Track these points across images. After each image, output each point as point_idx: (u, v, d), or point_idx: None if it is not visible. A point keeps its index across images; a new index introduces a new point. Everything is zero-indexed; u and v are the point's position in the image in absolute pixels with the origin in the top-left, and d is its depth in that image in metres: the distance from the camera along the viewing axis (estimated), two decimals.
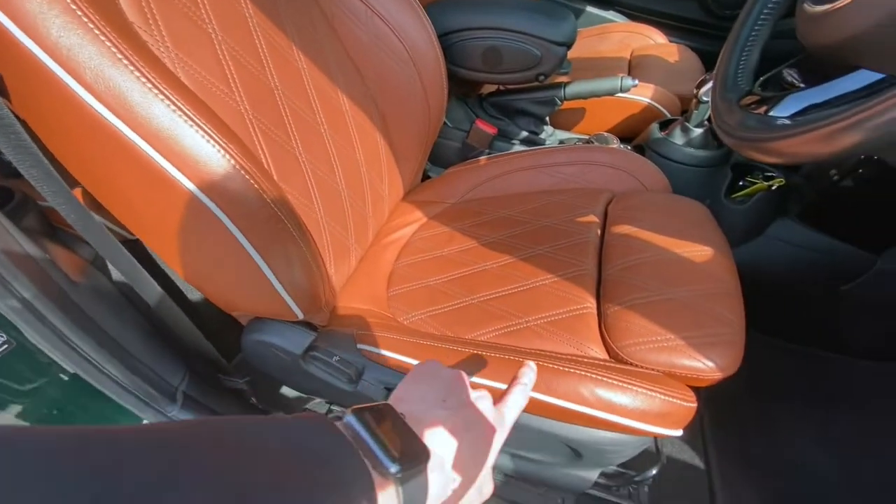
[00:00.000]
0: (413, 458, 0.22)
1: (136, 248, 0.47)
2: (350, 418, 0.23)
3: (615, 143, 0.77)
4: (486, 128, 0.78)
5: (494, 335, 0.51)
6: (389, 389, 0.49)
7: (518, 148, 0.84)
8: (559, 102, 0.79)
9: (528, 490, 0.57)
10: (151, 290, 0.50)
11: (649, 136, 0.76)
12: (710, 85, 0.68)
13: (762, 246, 0.71)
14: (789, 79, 0.36)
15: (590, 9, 1.24)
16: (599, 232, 0.61)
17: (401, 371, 0.48)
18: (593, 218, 0.63)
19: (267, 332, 0.50)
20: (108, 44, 0.31)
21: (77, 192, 0.47)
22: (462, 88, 0.85)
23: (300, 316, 0.46)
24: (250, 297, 0.45)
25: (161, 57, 0.40)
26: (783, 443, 0.69)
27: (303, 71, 0.56)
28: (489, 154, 0.80)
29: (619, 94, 0.77)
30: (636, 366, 0.45)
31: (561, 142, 0.85)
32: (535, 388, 0.40)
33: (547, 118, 0.84)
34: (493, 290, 0.57)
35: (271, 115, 0.50)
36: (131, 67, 0.32)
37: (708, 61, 1.02)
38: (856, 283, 0.68)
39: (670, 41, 1.12)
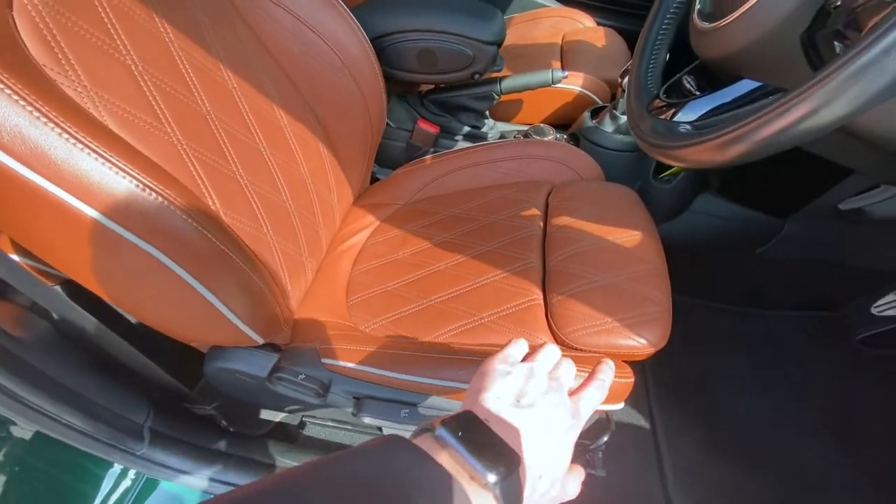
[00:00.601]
0: (506, 463, 0.22)
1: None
2: (441, 431, 0.23)
3: (551, 135, 0.81)
4: (428, 127, 0.79)
5: (452, 335, 0.54)
6: (357, 399, 0.52)
7: (461, 143, 0.87)
8: (496, 97, 0.82)
9: None
10: (97, 330, 0.49)
11: (582, 125, 0.81)
12: None
13: (688, 220, 0.78)
14: (688, 86, 0.40)
15: None
16: (542, 224, 0.65)
17: (366, 380, 0.51)
18: (535, 211, 0.67)
19: (229, 359, 0.50)
20: (16, 97, 0.30)
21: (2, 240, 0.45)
22: (401, 87, 0.85)
23: (260, 342, 0.47)
24: (205, 330, 0.45)
25: (80, 98, 0.38)
26: (716, 393, 0.78)
27: (234, 90, 0.55)
28: (434, 152, 0.81)
29: (552, 86, 0.81)
30: (581, 350, 0.49)
31: (502, 134, 0.88)
32: None
33: (486, 112, 0.86)
34: (447, 291, 0.60)
35: (207, 141, 0.49)
36: (44, 119, 0.31)
37: (633, 42, 1.07)
38: (768, 246, 0.76)
39: (598, 23, 1.17)
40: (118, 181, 0.34)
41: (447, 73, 0.73)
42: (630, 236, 0.58)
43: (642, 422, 0.70)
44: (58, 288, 0.50)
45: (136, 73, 0.43)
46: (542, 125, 0.83)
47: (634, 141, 0.80)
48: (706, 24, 0.35)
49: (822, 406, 0.77)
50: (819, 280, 0.80)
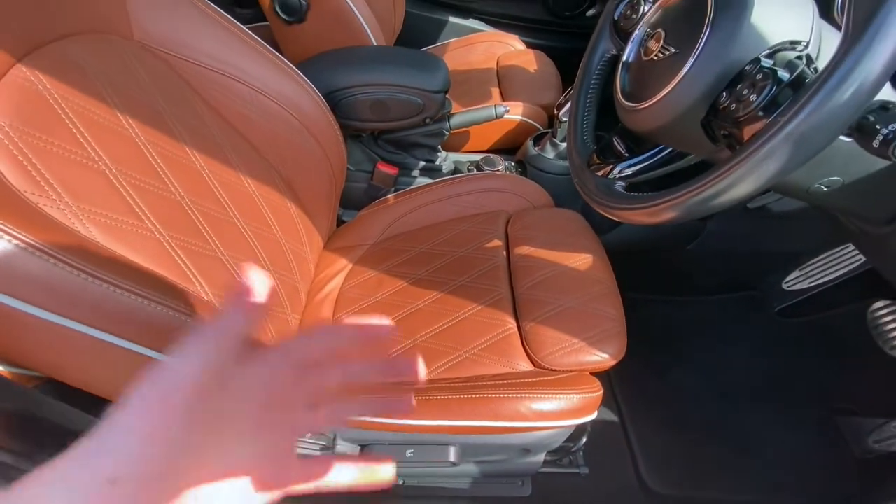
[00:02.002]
0: None
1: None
2: None
3: (501, 164, 0.88)
4: (388, 169, 0.83)
5: (440, 372, 0.60)
6: (364, 446, 0.56)
7: (419, 178, 0.91)
8: (447, 132, 0.87)
9: (494, 482, 0.69)
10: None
11: (527, 153, 0.88)
12: (568, 107, 0.81)
13: (627, 228, 0.88)
14: (618, 147, 0.48)
15: (452, 19, 1.32)
16: (505, 254, 0.72)
17: (369, 429, 0.55)
18: (497, 242, 0.74)
19: None
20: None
21: None
22: (355, 129, 0.89)
23: None
24: None
25: (64, 216, 0.39)
26: (669, 375, 0.89)
27: (202, 170, 0.56)
28: (395, 190, 0.86)
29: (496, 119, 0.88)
30: (555, 371, 0.57)
31: (455, 164, 0.94)
32: (484, 417, 0.50)
33: (438, 146, 0.92)
34: (430, 329, 0.65)
35: (186, 228, 0.51)
36: (40, 254, 0.33)
37: (557, 58, 1.17)
38: (695, 243, 0.88)
39: (527, 43, 1.25)
40: (122, 300, 0.36)
41: (400, 119, 0.78)
42: (583, 259, 0.66)
43: (612, 416, 0.79)
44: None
45: (112, 178, 0.44)
46: (491, 156, 0.90)
47: None
48: (628, 104, 0.43)
49: (753, 373, 0.90)
50: (738, 266, 0.94)
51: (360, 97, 0.74)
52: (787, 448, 0.81)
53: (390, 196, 0.84)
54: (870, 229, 0.48)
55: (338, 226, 0.87)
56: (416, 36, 1.29)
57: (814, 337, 0.89)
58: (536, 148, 0.88)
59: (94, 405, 0.51)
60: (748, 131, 0.31)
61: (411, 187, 0.84)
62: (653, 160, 0.45)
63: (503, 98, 1.04)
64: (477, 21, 1.33)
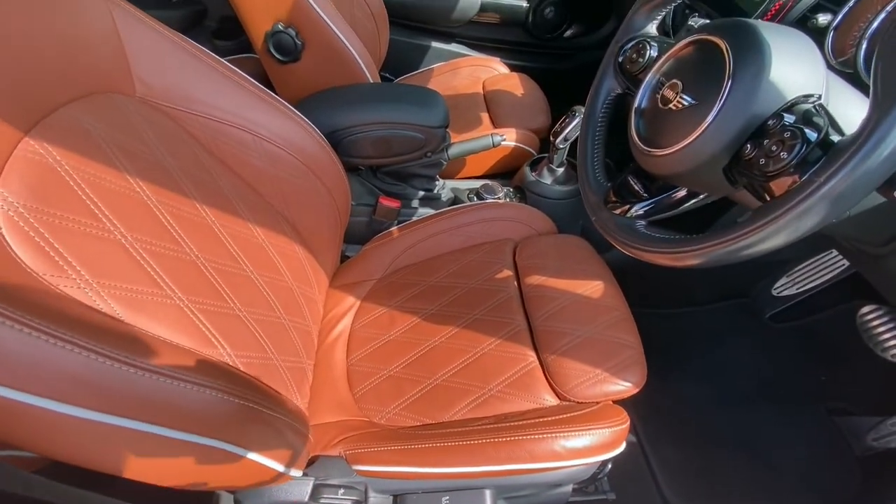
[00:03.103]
0: None
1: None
2: None
3: (501, 191, 0.90)
4: (390, 203, 0.83)
5: (466, 411, 0.59)
6: (397, 496, 0.55)
7: (420, 209, 0.92)
8: (445, 163, 0.88)
9: None
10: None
11: (525, 179, 0.90)
12: (564, 134, 0.83)
13: None
14: (635, 187, 0.49)
15: (435, 44, 1.33)
16: (516, 284, 0.73)
17: (402, 479, 0.54)
18: (507, 272, 0.74)
19: (264, 494, 0.51)
20: (25, 329, 0.30)
21: None
22: (357, 165, 0.88)
23: (298, 475, 0.49)
24: (239, 480, 0.46)
25: (84, 296, 0.38)
26: (672, 387, 0.92)
27: (213, 224, 0.55)
28: (398, 223, 0.85)
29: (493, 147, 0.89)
30: (581, 403, 0.57)
31: (455, 193, 0.94)
32: (521, 460, 0.50)
33: (437, 175, 0.92)
34: (450, 366, 0.65)
35: (204, 289, 0.49)
36: (62, 344, 0.31)
37: (540, 79, 1.20)
38: None
39: (509, 66, 1.28)
40: (149, 383, 0.35)
41: (401, 154, 0.78)
42: (594, 286, 0.68)
43: (630, 437, 0.81)
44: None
45: (129, 247, 0.43)
46: (490, 183, 0.91)
47: (571, 189, 0.91)
48: (646, 148, 0.44)
49: (751, 379, 0.94)
50: (730, 275, 0.98)
51: (363, 135, 0.74)
52: (791, 450, 0.84)
53: (394, 229, 0.84)
54: (866, 249, 0.51)
55: (341, 261, 0.86)
56: (401, 62, 1.30)
57: (806, 340, 0.93)
58: (534, 174, 0.90)
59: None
60: (778, 186, 0.33)
61: (414, 219, 0.84)
62: (670, 200, 0.47)
63: (493, 123, 1.06)
64: (459, 45, 1.35)
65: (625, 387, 0.57)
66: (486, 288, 0.73)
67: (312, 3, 0.72)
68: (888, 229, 0.46)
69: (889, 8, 0.43)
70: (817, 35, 0.53)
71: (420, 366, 0.66)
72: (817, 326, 0.92)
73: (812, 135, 0.31)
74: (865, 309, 0.77)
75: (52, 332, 0.31)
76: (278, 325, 0.59)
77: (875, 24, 0.44)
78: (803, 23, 0.55)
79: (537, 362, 0.62)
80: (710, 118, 0.37)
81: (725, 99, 0.36)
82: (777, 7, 0.56)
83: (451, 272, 0.78)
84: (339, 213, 0.76)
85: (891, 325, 0.73)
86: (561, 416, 0.54)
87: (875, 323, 0.76)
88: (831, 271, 0.88)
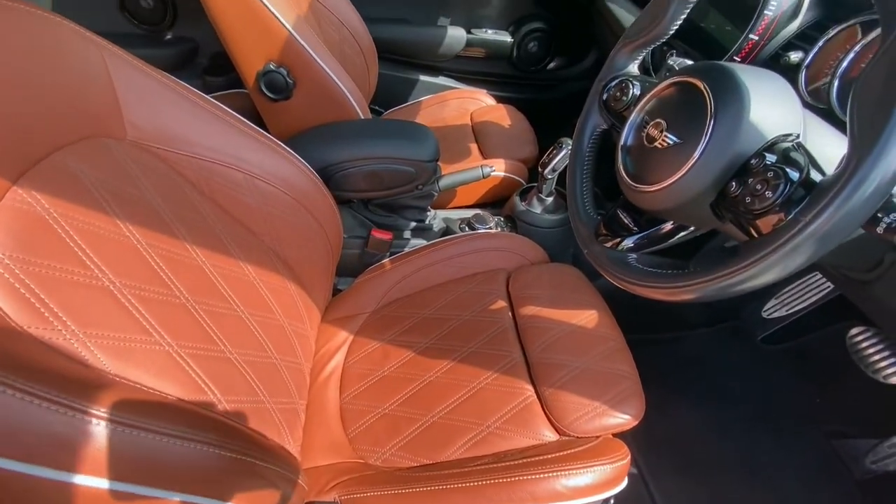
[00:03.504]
0: None
1: None
2: None
3: (492, 221, 0.90)
4: (382, 235, 0.83)
5: (465, 449, 0.58)
6: None
7: (412, 240, 0.92)
8: (436, 194, 0.89)
9: None
10: None
11: (515, 209, 0.91)
12: (552, 165, 0.84)
13: None
14: (625, 220, 0.50)
15: (423, 77, 1.37)
16: (511, 315, 0.72)
17: None
18: (501, 303, 0.74)
19: None
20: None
21: None
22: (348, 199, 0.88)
23: None
24: None
25: (71, 348, 0.36)
26: (669, 415, 0.91)
27: (204, 265, 0.54)
28: (390, 255, 0.85)
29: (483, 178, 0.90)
30: (581, 438, 0.57)
31: (446, 223, 0.95)
32: (522, 502, 0.49)
33: (428, 206, 0.93)
34: (446, 403, 0.63)
35: (194, 333, 0.48)
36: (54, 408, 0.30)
37: (526, 110, 1.23)
38: None
39: (496, 98, 1.31)
40: (136, 440, 0.33)
41: (393, 188, 0.78)
42: (588, 316, 0.68)
43: (631, 468, 0.80)
44: None
45: (117, 293, 0.42)
46: (481, 213, 0.92)
47: (561, 217, 0.93)
48: (634, 184, 0.45)
49: (746, 403, 0.94)
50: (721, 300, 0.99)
51: (355, 170, 0.74)
52: (791, 476, 0.83)
53: (386, 261, 0.83)
54: (852, 275, 0.52)
55: (333, 294, 0.85)
56: (390, 95, 1.33)
57: (798, 362, 0.94)
58: (524, 203, 0.91)
59: None
60: (765, 224, 0.34)
61: (407, 250, 0.84)
62: (659, 233, 0.48)
63: (482, 153, 1.08)
64: (446, 78, 1.38)
65: (624, 420, 0.57)
66: (480, 319, 0.73)
67: (304, 43, 0.74)
68: (872, 256, 0.47)
69: (857, 48, 0.46)
70: (790, 72, 0.56)
71: (416, 403, 0.65)
72: (809, 348, 0.93)
73: (794, 174, 0.33)
74: (854, 331, 0.78)
75: (34, 392, 0.30)
76: (270, 366, 0.58)
77: (845, 64, 0.46)
78: (776, 60, 0.58)
79: (535, 396, 0.61)
80: (695, 157, 0.38)
81: (709, 139, 0.38)
82: (751, 45, 0.59)
83: (445, 304, 0.77)
84: (332, 246, 0.75)
85: (880, 347, 0.74)
86: (561, 454, 0.53)
87: (865, 345, 0.77)
88: (818, 293, 0.89)
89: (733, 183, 0.37)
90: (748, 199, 0.35)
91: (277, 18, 0.72)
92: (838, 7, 0.55)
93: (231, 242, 0.60)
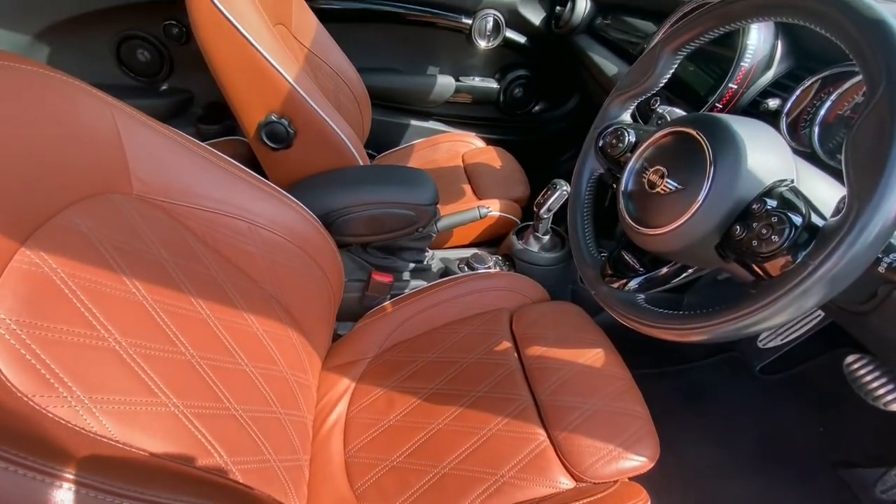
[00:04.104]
0: None
1: None
2: None
3: (490, 260, 0.91)
4: (382, 278, 0.83)
5: (479, 502, 0.56)
6: None
7: (412, 281, 0.92)
8: (434, 235, 0.90)
9: None
10: None
11: (512, 247, 0.93)
12: (547, 205, 0.87)
13: None
14: (630, 261, 0.51)
15: (414, 122, 1.41)
16: (517, 356, 0.72)
17: None
18: (506, 343, 0.74)
19: None
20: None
21: None
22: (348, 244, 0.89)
23: None
24: None
25: (75, 416, 0.35)
26: (678, 451, 0.90)
27: (208, 318, 0.53)
28: (391, 297, 0.85)
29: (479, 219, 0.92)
30: (598, 484, 0.55)
31: (445, 264, 0.96)
32: None
33: (426, 247, 0.94)
34: (456, 452, 0.61)
35: (199, 391, 0.46)
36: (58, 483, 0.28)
37: (514, 151, 1.27)
38: None
39: (485, 140, 1.36)
40: None
41: (394, 231, 0.79)
42: (595, 355, 0.68)
43: None
44: None
45: (123, 353, 0.40)
46: (479, 252, 0.93)
47: (558, 255, 0.94)
48: (638, 227, 0.47)
49: (750, 435, 0.93)
50: None
51: (356, 215, 0.75)
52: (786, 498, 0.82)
53: (387, 304, 0.83)
54: (848, 307, 0.54)
55: (333, 340, 0.83)
56: (383, 139, 1.36)
57: (798, 391, 0.95)
58: (521, 242, 0.92)
59: None
60: (773, 266, 0.35)
61: (407, 292, 0.84)
62: (664, 273, 0.49)
63: (476, 194, 1.10)
64: (437, 122, 1.43)
65: (640, 462, 0.56)
66: (486, 361, 0.72)
67: (305, 95, 0.76)
68: (867, 288, 0.49)
69: (833, 97, 0.49)
70: (769, 118, 0.60)
71: (424, 453, 0.63)
72: (807, 376, 0.94)
73: (797, 219, 0.34)
74: (850, 359, 0.79)
75: (37, 468, 0.28)
76: (274, 422, 0.56)
77: (822, 112, 0.50)
78: (755, 107, 0.62)
79: (548, 441, 0.60)
80: (699, 202, 0.40)
81: (711, 185, 0.40)
82: (731, 93, 0.63)
83: (449, 346, 0.76)
84: (333, 291, 0.75)
85: (877, 374, 0.75)
86: (580, 503, 0.51)
87: (861, 372, 0.78)
88: (811, 321, 0.92)
89: (737, 226, 0.38)
90: (755, 243, 0.36)
91: (279, 72, 0.74)
92: (808, 59, 0.60)
93: (234, 292, 0.59)
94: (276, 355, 0.62)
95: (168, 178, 0.56)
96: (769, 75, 0.61)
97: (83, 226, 0.44)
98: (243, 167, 0.64)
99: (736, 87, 0.62)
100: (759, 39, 0.61)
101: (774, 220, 0.35)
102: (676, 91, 0.73)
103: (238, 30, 0.69)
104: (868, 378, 0.77)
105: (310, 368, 0.70)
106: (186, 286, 0.52)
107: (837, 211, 0.34)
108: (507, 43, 1.31)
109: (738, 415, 0.96)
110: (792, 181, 0.39)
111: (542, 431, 0.61)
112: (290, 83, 0.73)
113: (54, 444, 0.32)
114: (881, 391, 0.75)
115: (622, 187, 0.49)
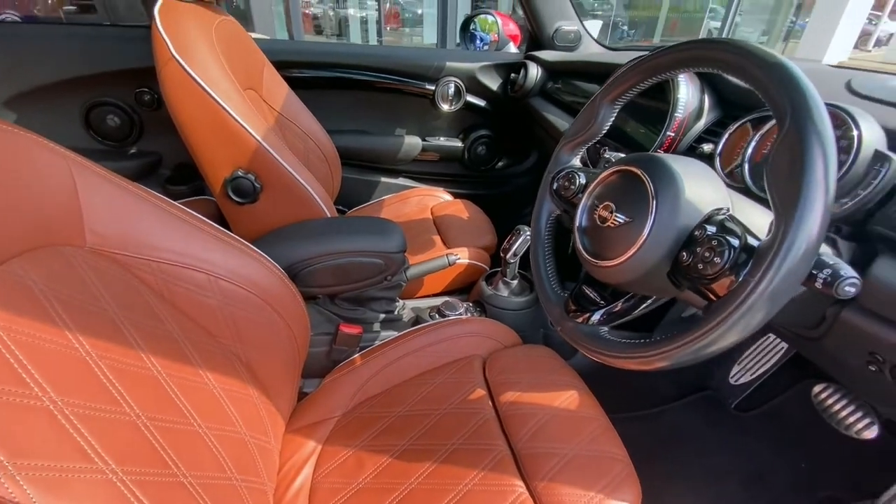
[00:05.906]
0: None
1: None
2: None
3: (462, 308, 0.91)
4: (351, 330, 0.81)
5: None
6: None
7: (382, 333, 0.90)
8: (404, 284, 0.89)
9: None
10: None
11: (482, 293, 0.93)
12: (513, 250, 0.89)
13: None
14: (591, 296, 0.53)
15: (384, 179, 1.46)
16: (491, 403, 0.70)
17: None
18: (480, 391, 0.72)
19: None
20: None
21: None
22: (315, 295, 0.87)
23: None
24: None
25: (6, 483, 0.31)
26: (663, 498, 0.86)
27: (160, 376, 0.50)
28: (360, 350, 0.82)
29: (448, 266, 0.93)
30: None
31: (416, 313, 0.95)
32: None
33: (396, 297, 0.93)
34: None
35: (144, 456, 0.42)
36: None
37: (481, 203, 1.32)
38: None
39: (453, 194, 1.41)
40: None
41: (362, 281, 0.79)
42: (569, 397, 0.67)
43: None
44: None
45: (58, 413, 0.37)
46: (450, 300, 0.93)
47: (527, 299, 0.95)
48: (594, 260, 0.48)
49: (733, 475, 0.91)
50: (689, 369, 1.01)
51: (322, 266, 0.75)
52: None
53: (356, 356, 0.80)
54: (802, 332, 0.56)
55: (299, 399, 0.79)
56: (353, 196, 1.39)
57: (774, 426, 0.95)
58: (490, 288, 0.93)
59: None
60: (719, 286, 0.37)
61: (377, 343, 0.82)
62: (624, 305, 0.50)
63: (445, 244, 1.12)
64: (406, 179, 1.48)
65: None
66: (460, 412, 0.69)
67: (270, 149, 0.78)
68: (816, 312, 0.52)
69: (756, 137, 0.55)
70: (705, 159, 0.65)
71: None
72: (781, 410, 0.94)
73: (734, 241, 0.37)
74: (817, 389, 0.81)
75: None
76: (229, 489, 0.51)
77: (749, 150, 0.55)
78: (692, 150, 0.68)
79: (527, 493, 0.57)
80: (645, 232, 0.42)
81: (655, 216, 0.42)
82: (669, 140, 0.69)
83: (421, 398, 0.73)
84: (298, 346, 0.72)
85: (844, 402, 0.77)
86: None
87: (829, 402, 0.79)
88: (776, 353, 0.94)
89: (684, 253, 0.41)
90: (700, 266, 0.38)
91: (245, 128, 0.76)
92: (732, 108, 0.67)
93: (191, 348, 0.56)
94: (235, 416, 0.58)
95: (124, 229, 0.55)
96: (701, 124, 0.68)
97: (28, 278, 0.42)
98: (205, 219, 0.64)
99: (673, 134, 0.68)
100: (688, 94, 0.68)
101: (715, 243, 0.37)
102: (621, 141, 0.80)
103: (207, 92, 0.72)
104: (837, 407, 0.79)
105: (272, 430, 0.65)
106: (137, 342, 0.49)
107: (770, 233, 0.36)
108: (469, 106, 1.41)
109: (719, 456, 0.94)
110: (728, 210, 0.42)
111: (520, 483, 0.58)
112: (256, 139, 0.75)
113: None
114: (851, 419, 0.76)
115: (576, 223, 0.52)
